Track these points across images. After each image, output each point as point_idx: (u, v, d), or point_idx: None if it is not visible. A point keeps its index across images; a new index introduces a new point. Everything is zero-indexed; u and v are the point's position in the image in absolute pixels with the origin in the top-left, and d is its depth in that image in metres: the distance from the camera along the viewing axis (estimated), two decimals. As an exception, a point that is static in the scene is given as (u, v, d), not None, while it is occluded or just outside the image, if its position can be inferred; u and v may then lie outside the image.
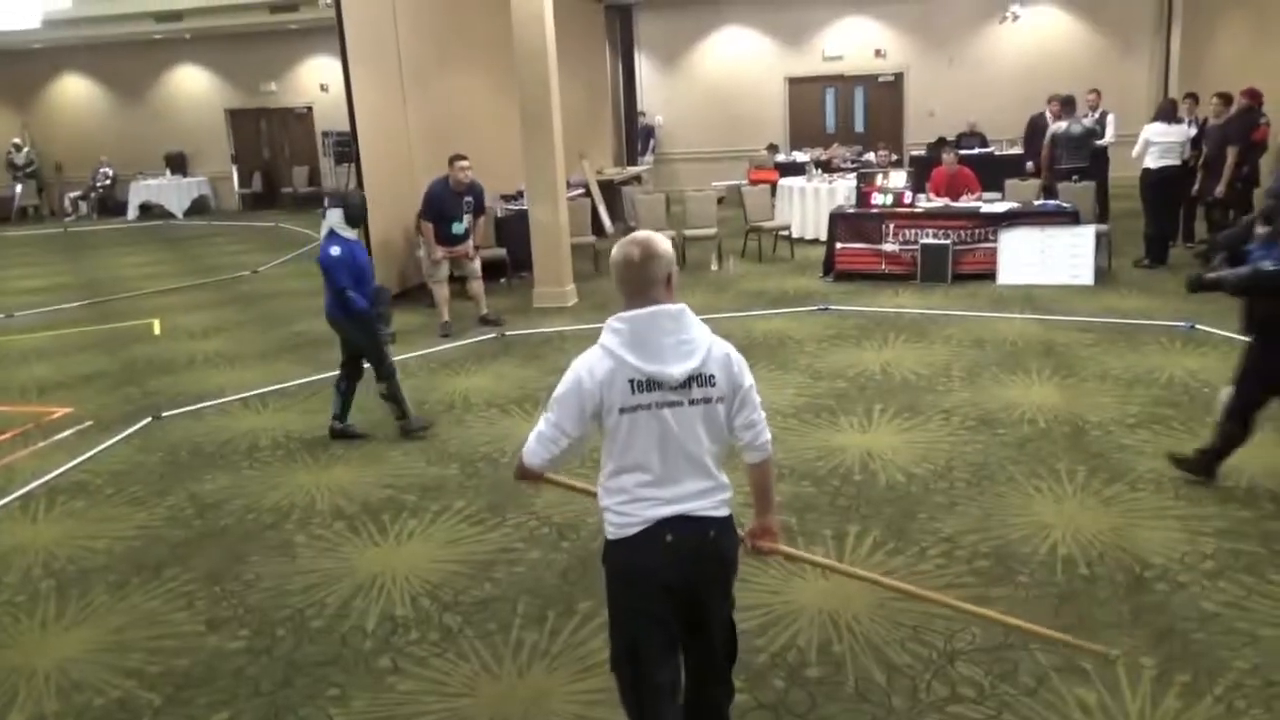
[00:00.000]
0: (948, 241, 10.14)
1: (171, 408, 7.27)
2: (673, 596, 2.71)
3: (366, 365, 6.45)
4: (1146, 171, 10.43)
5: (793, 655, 3.72)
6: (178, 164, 21.41)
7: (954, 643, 3.74)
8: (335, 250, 6.09)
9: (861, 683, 3.54)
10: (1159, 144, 10.34)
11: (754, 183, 13.92)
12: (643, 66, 19.34)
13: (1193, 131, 10.71)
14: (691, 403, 2.65)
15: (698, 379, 2.64)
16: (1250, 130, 9.92)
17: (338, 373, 6.49)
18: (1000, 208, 10.34)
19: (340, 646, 3.97)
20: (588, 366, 2.65)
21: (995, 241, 10.03)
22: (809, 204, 13.24)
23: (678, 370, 2.61)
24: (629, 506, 2.68)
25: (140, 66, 21.16)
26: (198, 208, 21.07)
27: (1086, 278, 9.66)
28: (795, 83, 19.20)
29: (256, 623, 4.18)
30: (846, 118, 19.36)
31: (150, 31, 19.33)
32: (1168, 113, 10.66)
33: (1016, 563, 4.32)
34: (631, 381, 2.61)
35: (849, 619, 3.94)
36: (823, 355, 7.71)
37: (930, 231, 10.25)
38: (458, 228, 9.10)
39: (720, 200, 13.43)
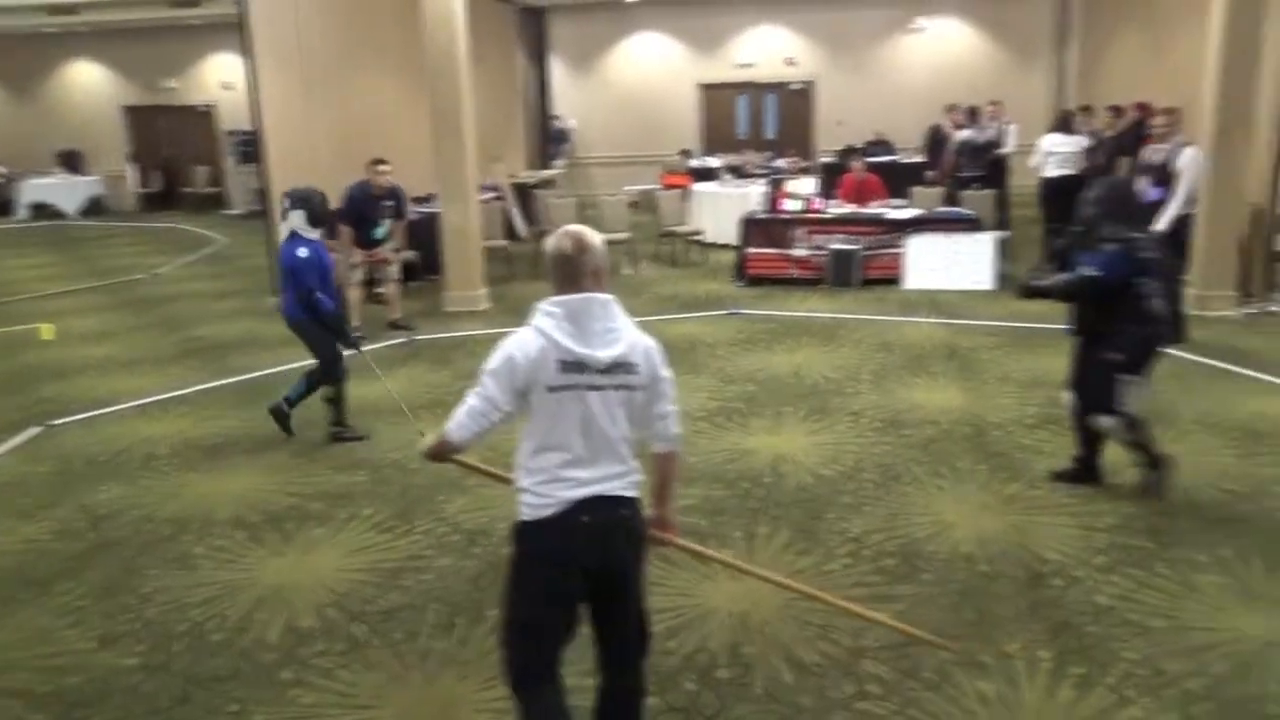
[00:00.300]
0: (856, 247, 10.34)
1: (63, 416, 6.98)
2: (588, 580, 2.78)
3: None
4: (1045, 181, 10.78)
5: (703, 657, 3.74)
6: (71, 162, 20.59)
7: (860, 640, 3.80)
8: (303, 252, 5.96)
9: (770, 683, 3.57)
10: (1057, 154, 10.72)
11: (667, 187, 14.00)
12: (555, 70, 19.29)
13: (1087, 142, 11.11)
14: (615, 388, 2.75)
15: (622, 365, 2.75)
16: (1142, 141, 10.32)
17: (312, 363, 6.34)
18: (906, 214, 10.59)
19: (241, 660, 3.85)
20: (520, 344, 2.74)
21: (901, 247, 10.26)
22: (721, 209, 13.34)
23: (604, 355, 2.72)
24: (547, 487, 2.74)
25: (31, 61, 20.34)
26: (93, 208, 20.29)
27: (988, 283, 9.94)
28: (708, 89, 19.37)
29: (153, 638, 4.03)
30: (758, 124, 19.60)
31: (43, 24, 18.58)
32: (1063, 124, 11.09)
33: (921, 561, 4.42)
34: (560, 362, 2.70)
35: (759, 620, 3.97)
36: (734, 359, 7.78)
37: (839, 237, 10.44)
38: (379, 232, 8.98)
39: (633, 205, 13.47)
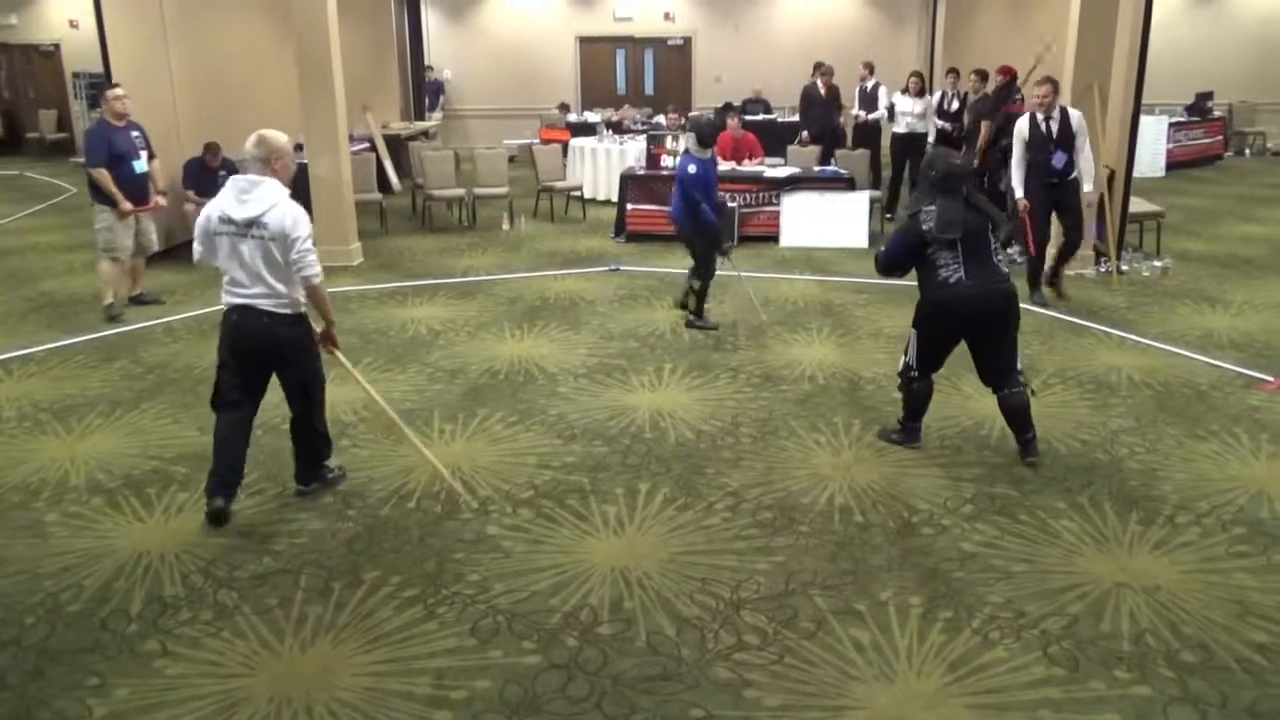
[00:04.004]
0: (734, 204, 10.41)
1: (-106, 377, 6.48)
2: (249, 358, 4.37)
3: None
4: (897, 136, 11.81)
5: (585, 614, 3.73)
6: (-101, 103, 19.04)
7: (740, 593, 3.86)
8: (692, 168, 6.99)
9: (652, 636, 3.60)
10: (907, 114, 11.65)
11: (545, 142, 13.81)
12: (430, 19, 18.74)
13: (953, 105, 11.70)
14: (252, 237, 4.20)
15: (254, 224, 4.19)
16: (1007, 105, 10.67)
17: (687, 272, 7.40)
18: (782, 172, 10.71)
19: (100, 631, 3.67)
20: (210, 205, 4.31)
21: (778, 205, 10.38)
22: (600, 165, 13.27)
23: (239, 215, 4.20)
24: (224, 295, 4.35)
25: None
26: (-75, 153, 18.83)
27: (861, 241, 10.17)
28: (586, 42, 19.14)
29: (2, 611, 3.79)
30: (637, 79, 19.50)
31: None
32: (910, 87, 11.86)
33: (798, 513, 4.51)
34: (219, 217, 4.25)
35: (640, 575, 3.99)
36: (614, 315, 7.76)
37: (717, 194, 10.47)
38: (139, 165, 7.73)
39: (511, 159, 13.24)
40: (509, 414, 5.74)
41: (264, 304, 4.25)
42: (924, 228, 4.82)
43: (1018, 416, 4.97)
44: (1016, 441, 5.05)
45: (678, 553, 4.16)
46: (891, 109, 12.14)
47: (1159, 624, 3.62)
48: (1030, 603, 3.77)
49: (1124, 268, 8.92)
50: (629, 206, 10.77)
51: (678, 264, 9.50)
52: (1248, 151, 17.89)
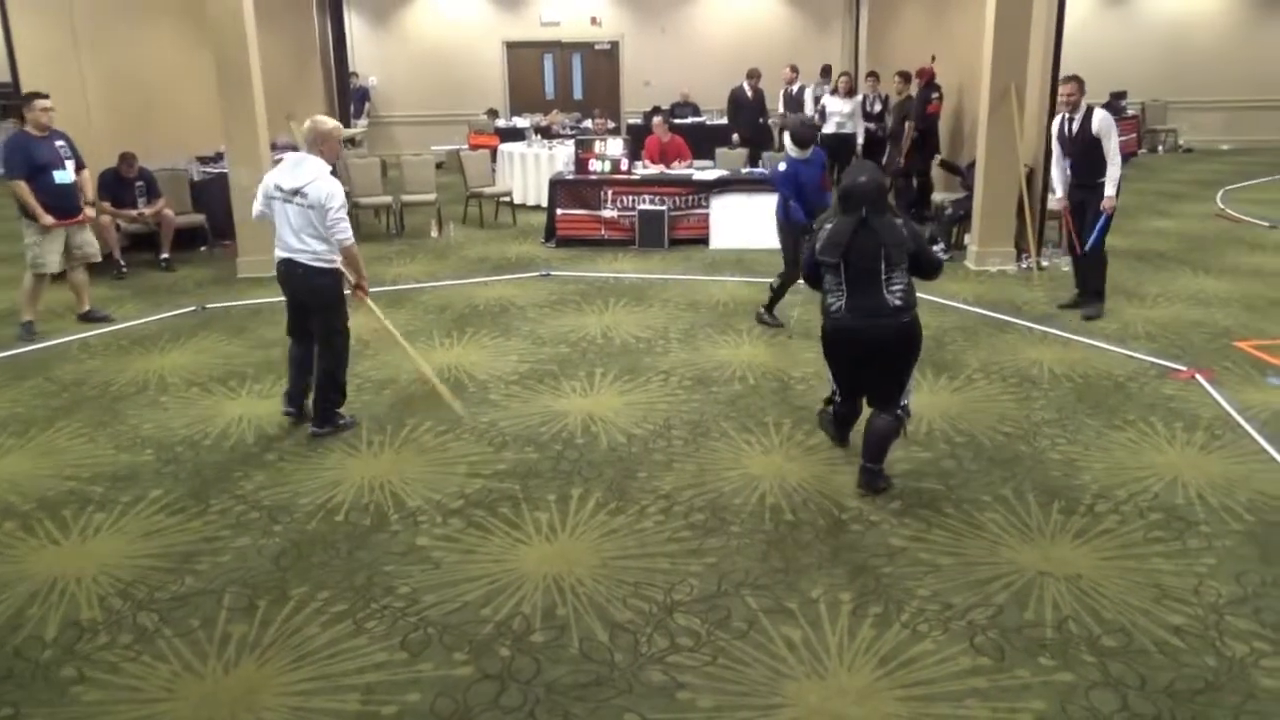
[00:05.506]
0: (663, 208, 10.45)
1: None
2: (293, 299, 5.45)
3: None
4: (825, 136, 11.66)
5: (518, 623, 3.70)
6: None
7: (673, 595, 3.86)
8: (782, 166, 7.26)
9: (585, 643, 3.58)
10: (836, 113, 11.94)
11: (474, 148, 13.72)
12: (354, 25, 18.49)
13: (875, 107, 11.93)
14: (295, 204, 5.14)
15: (297, 193, 5.13)
16: (926, 105, 10.88)
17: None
18: (711, 175, 10.77)
19: (14, 660, 3.54)
20: (267, 175, 5.33)
21: (707, 208, 10.44)
22: (530, 170, 13.22)
23: (287, 184, 5.16)
24: (275, 249, 5.33)
25: None
26: None
27: (790, 242, 10.25)
28: (513, 47, 19.06)
29: (-94, 643, 3.64)
30: (565, 84, 19.47)
31: None
32: (839, 87, 12.06)
33: (729, 514, 4.52)
34: (275, 185, 5.23)
35: (573, 581, 3.97)
36: (545, 321, 7.72)
37: (647, 198, 10.52)
38: (63, 176, 7.34)
39: (439, 165, 13.13)
40: (438, 423, 5.67)
41: (301, 258, 5.23)
42: (811, 243, 4.67)
43: (875, 441, 4.67)
44: (861, 466, 4.75)
45: (611, 558, 4.15)
46: (823, 110, 12.26)
47: (1081, 611, 3.71)
48: (957, 594, 3.84)
49: (1044, 263, 9.12)
50: (559, 211, 10.74)
51: (608, 269, 9.51)
52: (1160, 148, 18.48)
